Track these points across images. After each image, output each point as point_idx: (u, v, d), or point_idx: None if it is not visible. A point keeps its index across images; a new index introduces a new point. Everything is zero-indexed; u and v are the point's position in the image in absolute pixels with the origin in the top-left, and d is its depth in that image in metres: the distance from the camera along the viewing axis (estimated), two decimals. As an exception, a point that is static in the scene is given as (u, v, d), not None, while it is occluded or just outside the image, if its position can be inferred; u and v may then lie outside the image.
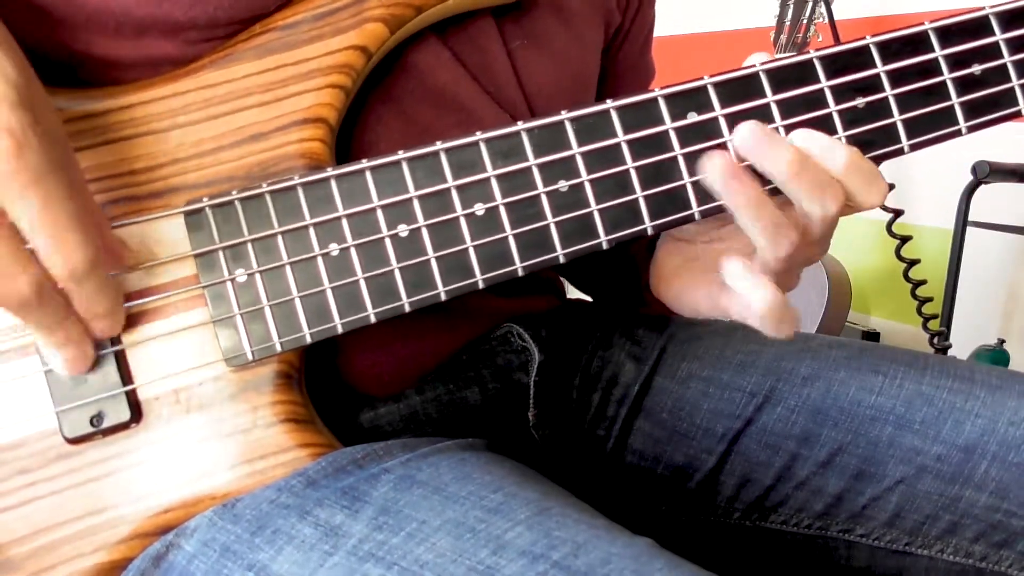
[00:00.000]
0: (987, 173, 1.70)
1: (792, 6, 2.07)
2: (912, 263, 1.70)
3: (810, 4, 2.04)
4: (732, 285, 0.54)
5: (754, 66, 0.54)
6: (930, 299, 1.75)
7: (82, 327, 0.47)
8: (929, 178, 2.15)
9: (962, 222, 1.82)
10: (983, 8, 0.55)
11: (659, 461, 0.71)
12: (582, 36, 0.69)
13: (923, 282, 1.73)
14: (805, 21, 2.04)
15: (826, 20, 1.87)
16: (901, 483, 0.64)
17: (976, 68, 0.55)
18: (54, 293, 0.44)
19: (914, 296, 1.76)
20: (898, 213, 1.70)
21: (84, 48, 0.53)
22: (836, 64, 0.54)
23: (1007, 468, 0.62)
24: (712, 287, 0.60)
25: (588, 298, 0.83)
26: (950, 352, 1.76)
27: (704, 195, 0.54)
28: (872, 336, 2.39)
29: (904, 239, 1.72)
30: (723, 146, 0.54)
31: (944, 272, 1.85)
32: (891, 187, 1.65)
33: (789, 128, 0.54)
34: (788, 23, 2.08)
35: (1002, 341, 1.99)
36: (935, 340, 1.78)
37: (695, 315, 0.65)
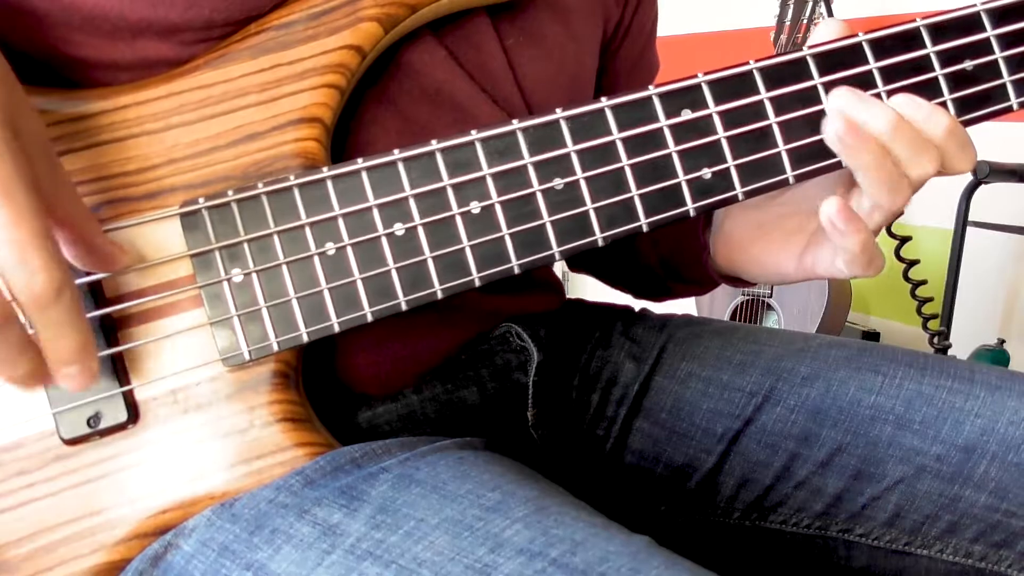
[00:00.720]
0: (987, 173, 1.70)
1: (792, 6, 2.07)
2: (912, 263, 1.70)
3: (810, 4, 2.04)
4: (829, 226, 0.54)
5: (747, 63, 0.54)
6: (930, 299, 1.75)
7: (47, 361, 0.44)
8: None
9: (962, 222, 1.82)
10: (974, 4, 0.56)
11: (658, 461, 0.71)
12: (579, 33, 0.69)
13: (923, 282, 1.73)
14: (805, 21, 2.04)
15: (826, 20, 1.87)
16: (901, 483, 0.64)
17: (968, 64, 0.56)
18: (15, 322, 0.41)
19: (914, 296, 1.75)
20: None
21: (79, 50, 0.53)
22: (829, 61, 0.54)
23: (1007, 468, 0.61)
24: (796, 250, 0.62)
25: (588, 298, 0.83)
26: (950, 352, 1.76)
27: (699, 192, 0.54)
28: (872, 336, 2.39)
29: (903, 240, 1.72)
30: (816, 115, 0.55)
31: (944, 272, 1.85)
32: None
33: (783, 124, 0.54)
34: (788, 23, 2.08)
35: (1002, 341, 1.99)
36: (935, 340, 1.78)
37: (776, 277, 0.66)
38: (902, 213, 0.58)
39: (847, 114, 0.53)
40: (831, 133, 0.53)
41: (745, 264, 0.68)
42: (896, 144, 0.53)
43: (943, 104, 0.55)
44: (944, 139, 0.53)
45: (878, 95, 0.55)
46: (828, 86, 0.54)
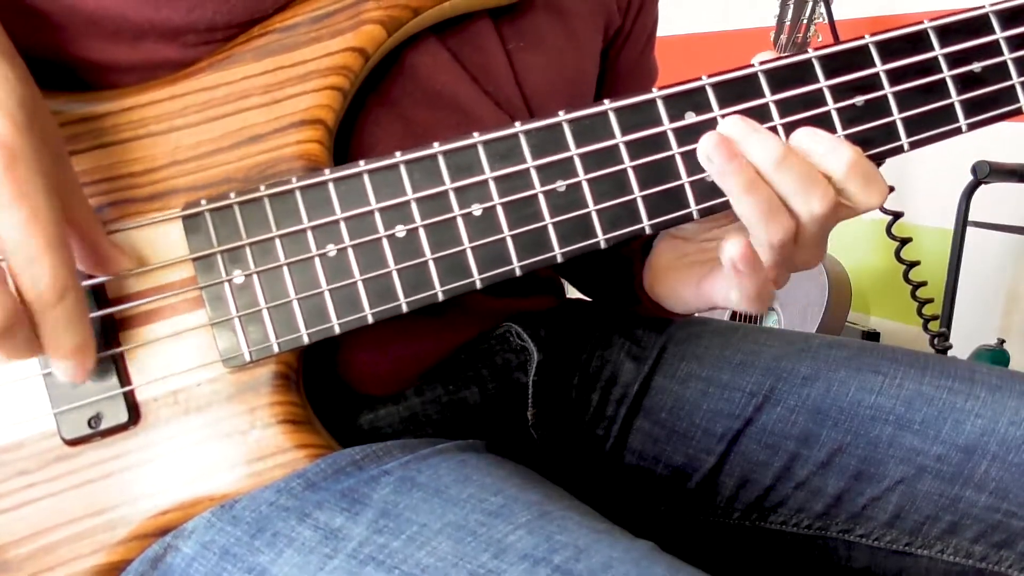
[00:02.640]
0: (987, 173, 1.70)
1: (792, 6, 2.07)
2: (912, 265, 1.70)
3: (810, 4, 2.03)
4: (734, 265, 0.53)
5: (752, 66, 0.54)
6: (930, 300, 1.75)
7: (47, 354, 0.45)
8: (929, 178, 2.15)
9: (962, 222, 1.82)
10: (983, 6, 0.55)
11: (658, 461, 0.71)
12: (580, 37, 0.69)
13: (923, 283, 1.73)
14: (805, 21, 2.04)
15: (826, 20, 1.87)
16: (901, 483, 0.64)
17: (976, 66, 0.55)
18: (24, 323, 0.42)
19: (914, 297, 1.75)
20: (897, 215, 1.70)
21: (82, 52, 0.53)
22: (835, 63, 0.54)
23: (1007, 468, 0.61)
24: (697, 278, 0.61)
25: (587, 298, 0.83)
26: (950, 353, 1.76)
27: (702, 194, 0.54)
28: (872, 336, 2.39)
29: (904, 241, 1.72)
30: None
31: (944, 272, 1.85)
32: (891, 189, 1.65)
33: (788, 127, 0.54)
34: (788, 23, 2.08)
35: (1002, 341, 1.99)
36: (936, 341, 1.78)
37: (684, 308, 0.66)
38: (804, 266, 0.57)
39: (731, 142, 0.52)
40: (700, 151, 0.52)
41: (661, 294, 0.68)
42: (780, 177, 0.51)
43: (952, 106, 0.55)
44: (846, 174, 0.52)
45: (884, 97, 0.54)
46: (833, 88, 0.54)
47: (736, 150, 0.52)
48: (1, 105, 0.42)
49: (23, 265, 0.41)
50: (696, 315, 0.80)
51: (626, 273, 0.73)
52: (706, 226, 0.61)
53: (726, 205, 0.54)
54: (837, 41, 0.55)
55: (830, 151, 0.52)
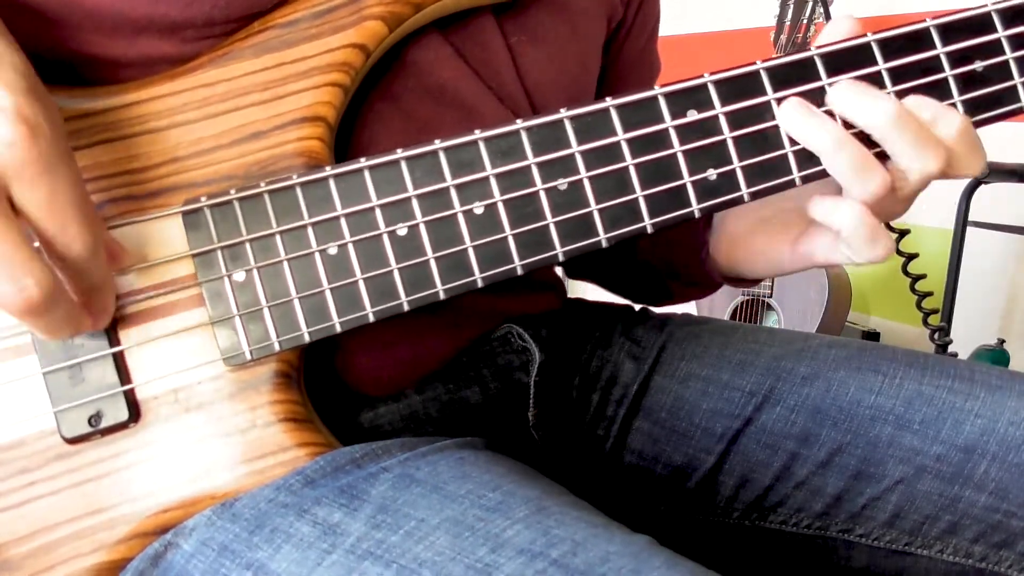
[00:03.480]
0: (987, 173, 1.70)
1: (792, 6, 2.07)
2: (911, 257, 1.70)
3: (810, 4, 2.04)
4: (816, 215, 0.54)
5: (754, 63, 0.54)
6: (930, 294, 1.75)
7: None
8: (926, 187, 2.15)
9: (962, 222, 1.82)
10: (985, 4, 0.55)
11: (658, 461, 0.71)
12: (582, 31, 0.69)
13: (922, 276, 1.73)
14: (805, 21, 2.04)
15: (826, 20, 1.87)
16: (901, 483, 0.64)
17: (978, 65, 0.55)
18: (61, 297, 0.43)
19: (913, 291, 1.75)
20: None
21: (81, 47, 0.53)
22: (837, 61, 0.54)
23: (1007, 468, 0.61)
24: (791, 239, 0.62)
25: (588, 297, 0.83)
26: (951, 348, 1.76)
27: (704, 193, 0.54)
28: (872, 336, 2.39)
29: (902, 233, 1.72)
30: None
31: (944, 272, 1.85)
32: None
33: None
34: (788, 23, 2.08)
35: (1002, 341, 1.99)
36: (935, 336, 1.78)
37: (774, 267, 0.66)
38: (890, 217, 0.57)
39: (848, 105, 0.53)
40: (782, 114, 0.53)
41: (745, 259, 0.68)
42: (896, 135, 0.52)
43: (952, 106, 0.55)
44: (956, 139, 0.53)
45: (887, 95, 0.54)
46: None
47: (814, 109, 0.53)
48: (14, 82, 0.42)
49: (56, 235, 0.42)
50: (696, 315, 0.80)
51: (685, 245, 0.73)
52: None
53: (728, 204, 0.54)
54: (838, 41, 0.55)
55: (943, 113, 0.53)
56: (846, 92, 0.53)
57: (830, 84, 0.54)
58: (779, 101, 0.54)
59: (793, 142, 0.54)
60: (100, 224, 0.45)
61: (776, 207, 0.65)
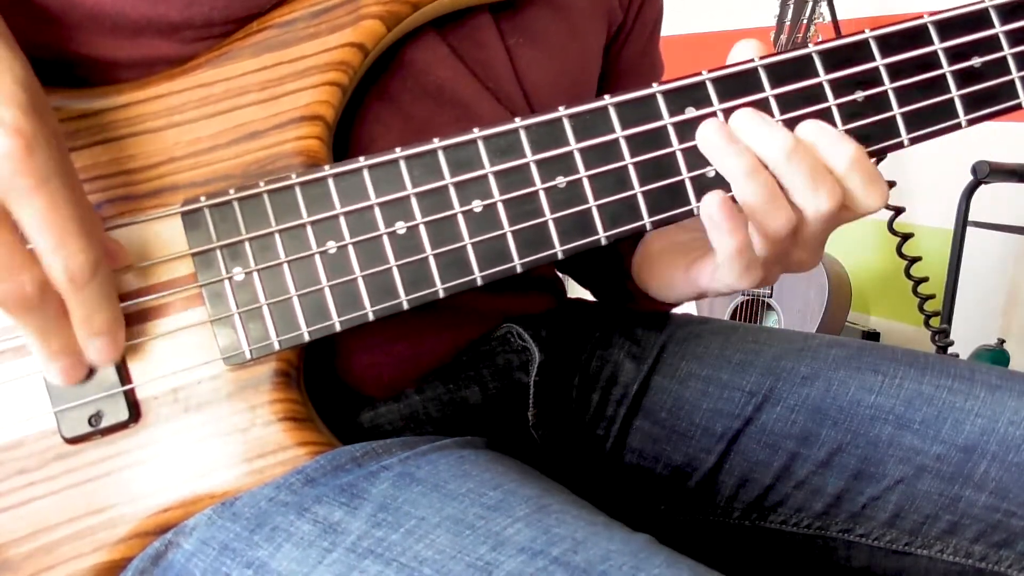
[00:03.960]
0: (987, 173, 1.70)
1: (792, 6, 2.07)
2: (913, 260, 1.70)
3: (810, 4, 2.04)
4: (711, 217, 0.52)
5: (752, 61, 0.54)
6: (932, 296, 1.75)
7: (78, 337, 0.46)
8: (929, 178, 2.15)
9: (962, 222, 1.82)
10: (982, 1, 0.55)
11: (658, 460, 0.71)
12: (582, 34, 0.69)
13: (925, 279, 1.73)
14: (805, 21, 2.04)
15: (826, 20, 1.87)
16: (901, 483, 0.64)
17: (976, 61, 0.55)
18: (55, 295, 0.43)
19: (915, 293, 1.75)
20: (899, 211, 1.70)
21: (80, 48, 0.53)
22: (835, 58, 0.54)
23: (1007, 468, 0.61)
24: (687, 263, 0.61)
25: (588, 297, 0.83)
26: (952, 351, 1.76)
27: (703, 190, 0.54)
28: (872, 336, 2.39)
29: (905, 236, 1.72)
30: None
31: (944, 272, 1.85)
32: (892, 184, 1.64)
33: (788, 122, 0.54)
34: (788, 23, 2.08)
35: (1002, 341, 1.99)
36: (936, 338, 1.78)
37: (673, 294, 0.66)
38: (799, 268, 0.56)
39: (728, 127, 0.52)
40: (700, 135, 0.52)
41: (648, 278, 0.68)
42: (790, 169, 0.51)
43: (952, 101, 0.55)
44: (848, 170, 0.52)
45: (884, 92, 0.54)
46: (833, 83, 0.54)
47: (735, 135, 0.52)
48: (12, 94, 0.42)
49: (51, 251, 0.42)
50: (696, 315, 0.80)
51: (620, 269, 0.73)
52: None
53: None
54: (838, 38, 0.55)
55: (834, 144, 0.52)
56: (742, 121, 0.52)
57: (828, 81, 0.54)
58: (777, 98, 0.54)
59: None
60: (102, 240, 0.45)
61: (691, 234, 0.64)
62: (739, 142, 0.51)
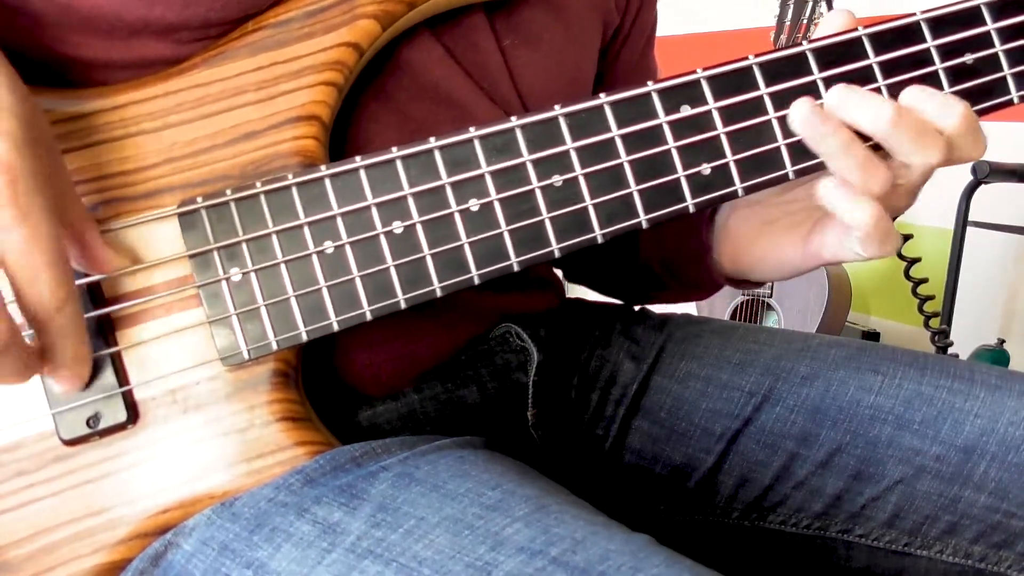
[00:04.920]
0: (987, 173, 1.70)
1: (792, 6, 2.07)
2: (913, 261, 1.70)
3: (810, 4, 2.04)
4: (831, 204, 0.53)
5: (747, 58, 0.54)
6: (931, 297, 1.75)
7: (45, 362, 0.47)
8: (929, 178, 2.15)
9: (962, 222, 1.82)
10: None
11: (657, 460, 0.71)
12: (578, 36, 0.69)
13: (924, 280, 1.73)
14: (805, 21, 2.04)
15: (833, 11, 1.87)
16: (900, 483, 0.64)
17: (968, 57, 0.55)
18: (22, 344, 0.44)
19: (915, 294, 1.75)
20: (897, 212, 1.70)
21: (75, 51, 0.53)
22: (829, 56, 0.54)
23: (1007, 468, 0.61)
24: (800, 237, 0.61)
25: (588, 297, 0.83)
26: (951, 351, 1.76)
27: (698, 188, 0.54)
28: (872, 336, 2.39)
29: (905, 237, 1.72)
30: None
31: (944, 272, 1.85)
32: None
33: (782, 120, 0.54)
34: (788, 23, 2.08)
35: (1002, 341, 1.99)
36: (936, 339, 1.78)
37: (784, 269, 0.66)
38: (899, 212, 0.57)
39: (846, 111, 0.53)
40: (794, 116, 0.53)
41: (751, 261, 0.68)
42: (898, 135, 0.52)
43: None
44: (957, 127, 0.53)
45: (878, 90, 0.54)
46: (827, 81, 0.54)
47: (829, 113, 0.52)
48: (2, 127, 0.43)
49: (26, 283, 0.43)
50: (696, 315, 0.80)
51: (688, 247, 0.73)
52: (777, 189, 0.62)
53: (722, 199, 0.54)
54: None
55: (943, 107, 0.53)
56: (843, 97, 0.53)
57: (822, 79, 0.54)
58: (771, 96, 0.54)
59: (786, 135, 0.54)
60: (71, 280, 0.45)
61: (782, 209, 0.64)
62: (832, 119, 0.52)
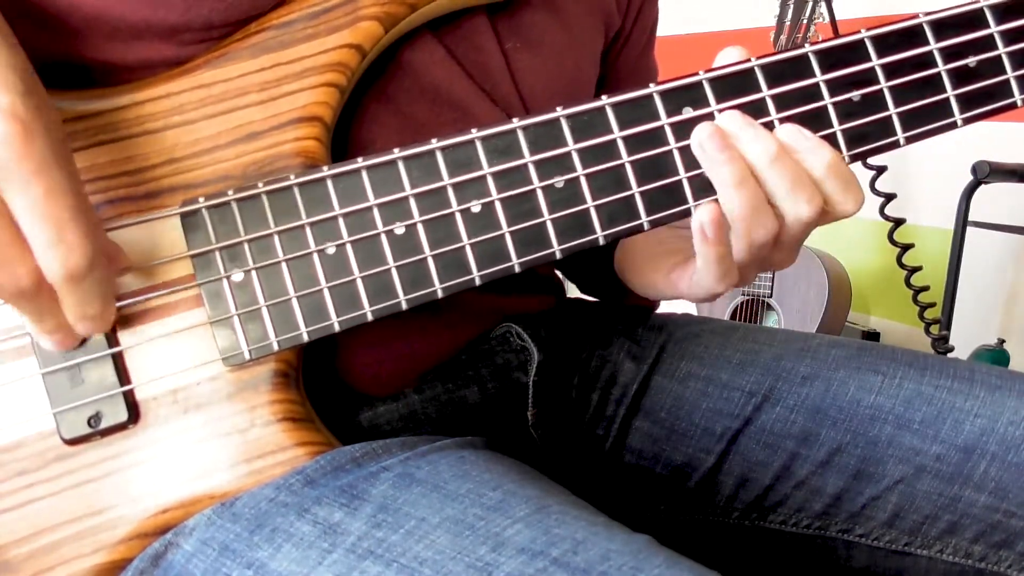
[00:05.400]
0: (987, 173, 1.70)
1: (792, 6, 2.07)
2: (914, 270, 1.70)
3: (810, 4, 2.03)
4: (702, 229, 0.52)
5: (749, 60, 0.54)
6: (932, 304, 1.75)
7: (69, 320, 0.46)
8: (929, 178, 2.15)
9: (962, 222, 1.82)
10: (977, 1, 0.55)
11: (658, 460, 0.71)
12: (579, 38, 0.69)
13: (925, 288, 1.72)
14: (805, 21, 2.04)
15: (826, 20, 1.87)
16: (900, 483, 0.64)
17: (971, 60, 0.55)
18: (49, 286, 0.43)
19: (916, 302, 1.75)
20: (899, 222, 1.70)
21: (79, 51, 0.53)
22: (831, 58, 0.54)
23: (1007, 468, 0.61)
24: (672, 264, 0.61)
25: (588, 297, 0.83)
26: (950, 355, 1.76)
27: (699, 190, 0.54)
28: (872, 336, 2.39)
29: (905, 247, 1.72)
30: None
31: (944, 272, 1.85)
32: (892, 196, 1.64)
33: (784, 122, 0.54)
34: (788, 23, 2.08)
35: (1002, 341, 1.99)
36: (936, 345, 1.78)
37: (652, 295, 0.67)
38: (777, 267, 0.57)
39: (725, 133, 0.52)
40: (694, 140, 0.52)
41: (631, 276, 0.69)
42: (773, 176, 0.51)
43: (947, 100, 0.55)
44: (824, 175, 0.52)
45: (881, 91, 0.54)
46: (830, 83, 0.54)
47: (729, 141, 0.52)
48: (10, 82, 0.42)
49: (51, 243, 0.41)
50: (696, 314, 0.80)
51: (610, 266, 0.73)
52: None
53: None
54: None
55: (812, 149, 0.52)
56: (729, 123, 0.52)
57: (825, 81, 0.54)
58: (774, 98, 0.54)
59: None
60: (100, 233, 0.44)
61: (676, 232, 0.65)
62: (732, 148, 0.51)
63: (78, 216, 0.42)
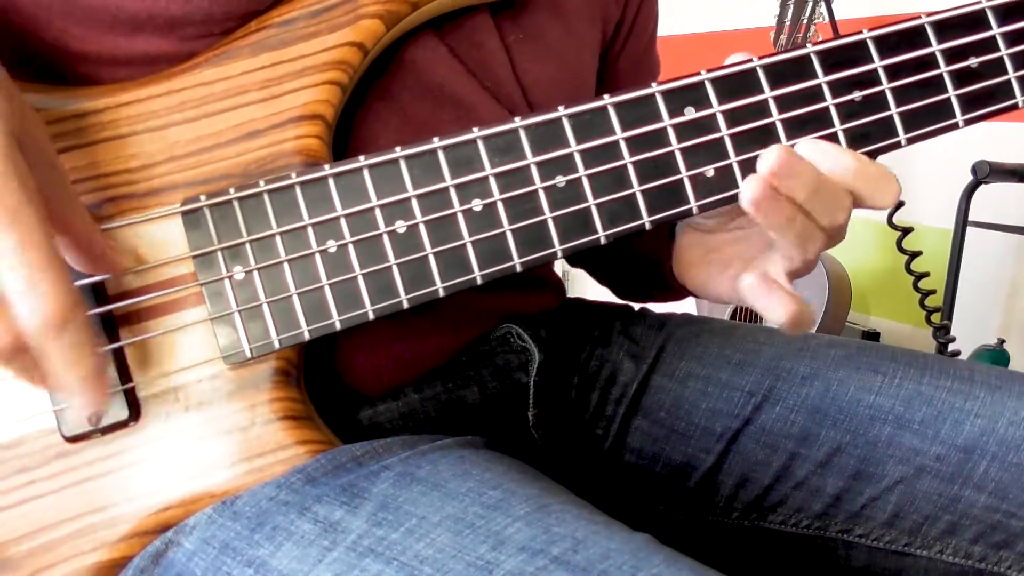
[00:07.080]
0: (987, 173, 1.70)
1: (792, 6, 2.07)
2: (914, 255, 1.70)
3: (810, 4, 2.04)
4: (753, 302, 0.54)
5: (751, 61, 0.54)
6: (933, 292, 1.75)
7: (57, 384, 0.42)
8: (929, 178, 2.15)
9: (962, 222, 1.82)
10: (979, 1, 0.55)
11: (657, 460, 0.71)
12: (578, 33, 0.69)
13: (926, 274, 1.72)
14: (805, 21, 2.04)
15: (826, 20, 1.87)
16: (900, 483, 0.64)
17: (973, 61, 0.55)
18: (26, 348, 0.41)
19: (916, 289, 1.75)
20: (906, 231, 1.70)
21: (78, 45, 0.53)
22: (833, 58, 0.54)
23: (1007, 468, 0.61)
24: (730, 279, 0.61)
25: (588, 297, 0.83)
26: (952, 347, 1.76)
27: (702, 190, 0.54)
28: (872, 336, 2.39)
29: (905, 231, 1.72)
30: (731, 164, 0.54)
31: (944, 272, 1.85)
32: (900, 204, 1.63)
33: (786, 122, 0.54)
34: (788, 23, 2.08)
35: (1002, 341, 1.99)
36: (938, 334, 1.78)
37: (723, 302, 0.66)
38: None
39: (771, 178, 0.51)
40: (747, 197, 0.51)
41: (694, 285, 0.68)
42: (818, 203, 0.51)
43: (949, 101, 0.55)
44: (854, 180, 0.52)
45: (882, 92, 0.54)
46: (832, 84, 0.54)
47: (776, 192, 0.51)
48: None
49: (24, 292, 0.39)
50: (696, 315, 0.80)
51: (646, 266, 0.73)
52: (725, 217, 0.61)
53: (725, 201, 0.54)
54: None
55: (837, 161, 0.52)
56: (779, 164, 0.50)
57: (827, 82, 0.54)
58: (776, 99, 0.54)
59: (791, 138, 0.54)
60: (73, 287, 0.41)
61: (722, 239, 0.64)
62: (780, 198, 0.51)
63: (52, 264, 0.40)
